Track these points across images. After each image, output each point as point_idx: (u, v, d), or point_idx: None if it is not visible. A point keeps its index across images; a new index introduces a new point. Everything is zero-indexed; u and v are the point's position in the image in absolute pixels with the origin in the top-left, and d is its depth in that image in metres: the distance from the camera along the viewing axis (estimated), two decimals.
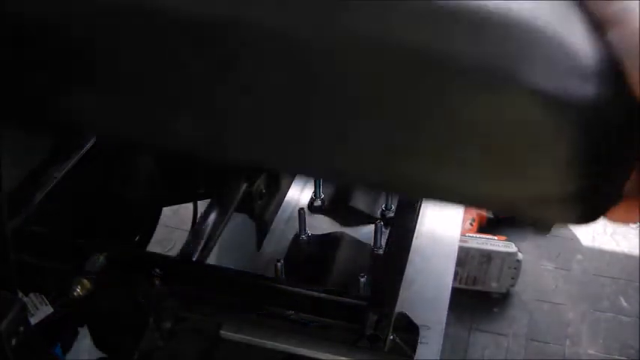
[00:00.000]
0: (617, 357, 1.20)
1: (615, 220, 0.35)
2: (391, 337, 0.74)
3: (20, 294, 0.41)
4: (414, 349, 0.75)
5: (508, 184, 0.31)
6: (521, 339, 1.29)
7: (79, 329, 0.68)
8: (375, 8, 0.30)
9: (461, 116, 0.30)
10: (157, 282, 0.70)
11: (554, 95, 0.29)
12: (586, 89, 0.29)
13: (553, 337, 1.27)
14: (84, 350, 0.69)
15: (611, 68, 0.30)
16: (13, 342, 0.38)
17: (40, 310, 0.60)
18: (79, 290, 0.62)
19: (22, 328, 0.38)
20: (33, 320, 0.60)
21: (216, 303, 0.75)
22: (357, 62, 0.30)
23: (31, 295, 0.60)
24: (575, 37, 0.30)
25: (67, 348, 0.67)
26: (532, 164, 0.31)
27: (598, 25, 0.31)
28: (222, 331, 0.73)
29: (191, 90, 0.33)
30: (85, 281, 0.63)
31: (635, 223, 0.34)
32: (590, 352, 1.20)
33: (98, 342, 0.68)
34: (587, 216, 0.33)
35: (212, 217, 0.85)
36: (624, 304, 1.37)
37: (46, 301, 0.60)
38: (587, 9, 0.32)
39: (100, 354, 0.68)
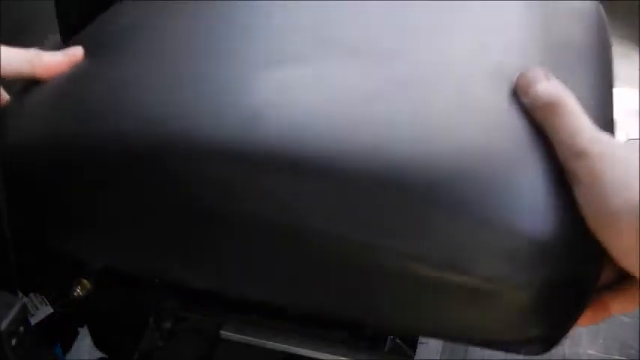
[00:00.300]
0: (617, 357, 1.20)
1: (580, 325, 0.37)
2: (391, 337, 0.74)
3: (20, 294, 0.41)
4: (414, 349, 0.75)
5: (476, 331, 0.35)
6: None
7: (79, 329, 0.68)
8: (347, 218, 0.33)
9: (431, 299, 0.34)
10: (157, 282, 0.70)
11: (504, 279, 0.31)
12: (534, 267, 0.31)
13: None
14: (84, 350, 0.69)
15: (567, 226, 0.32)
16: (13, 342, 0.38)
17: (40, 310, 0.60)
18: (79, 290, 0.62)
19: (22, 329, 0.38)
20: (33, 320, 0.60)
21: (216, 303, 0.75)
22: (349, 256, 0.33)
23: (31, 295, 0.60)
24: (526, 212, 0.32)
25: (67, 348, 0.67)
26: (492, 321, 0.34)
27: (567, 175, 0.32)
28: (222, 331, 0.73)
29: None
30: (85, 281, 0.63)
31: (596, 323, 0.38)
32: (590, 352, 1.20)
33: (98, 342, 0.68)
34: (549, 346, 0.37)
35: None
36: None
37: (46, 301, 0.60)
38: (558, 156, 0.32)
39: (100, 354, 0.68)
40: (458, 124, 0.34)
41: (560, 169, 0.32)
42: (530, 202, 0.31)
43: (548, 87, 0.33)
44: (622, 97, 1.70)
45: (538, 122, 0.33)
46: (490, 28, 0.41)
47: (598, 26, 0.46)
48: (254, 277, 0.37)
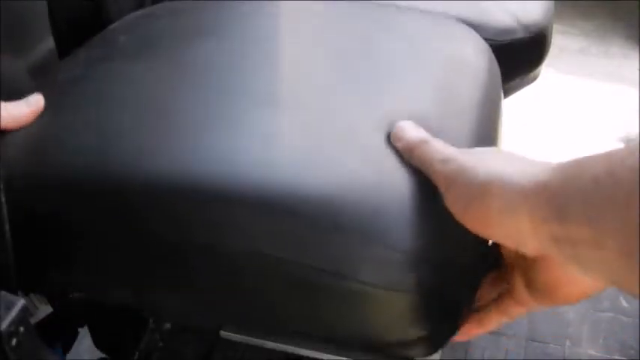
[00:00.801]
0: (617, 357, 1.20)
1: (458, 339, 0.43)
2: None
3: (20, 294, 0.42)
4: None
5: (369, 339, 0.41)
6: (521, 339, 1.29)
7: (79, 329, 0.68)
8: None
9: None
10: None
11: (381, 284, 0.38)
12: (407, 274, 0.37)
13: (553, 337, 1.27)
14: (84, 350, 0.69)
15: (441, 237, 0.39)
16: (14, 342, 0.38)
17: (40, 310, 0.59)
18: None
19: (22, 329, 0.38)
20: (33, 320, 0.60)
21: None
22: (262, 268, 0.40)
23: (31, 295, 0.60)
24: (398, 229, 0.38)
25: (67, 348, 0.67)
26: (377, 321, 0.40)
27: (437, 183, 0.39)
28: (222, 331, 0.73)
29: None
30: None
31: (480, 333, 0.44)
32: (591, 352, 1.20)
33: (98, 342, 0.67)
34: (433, 348, 0.41)
35: None
36: (624, 304, 1.37)
37: (46, 301, 0.60)
38: (428, 174, 0.40)
39: (100, 354, 0.68)
40: (344, 160, 0.41)
41: (425, 195, 0.39)
42: (401, 221, 0.38)
43: (417, 133, 0.42)
44: (622, 96, 1.70)
45: (411, 160, 0.41)
46: (386, 81, 0.50)
47: (487, 83, 0.55)
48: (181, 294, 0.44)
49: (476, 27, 0.73)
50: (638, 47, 1.91)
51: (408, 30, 0.59)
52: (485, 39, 0.66)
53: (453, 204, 0.37)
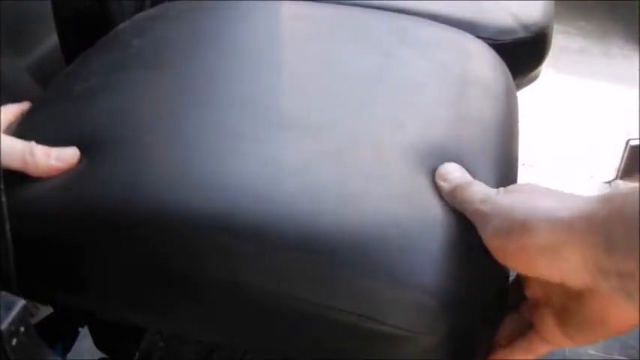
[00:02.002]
0: (617, 357, 1.20)
1: None
2: None
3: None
4: None
5: None
6: None
7: (80, 329, 0.68)
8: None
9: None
10: None
11: (413, 327, 0.37)
12: (439, 317, 0.37)
13: None
14: (84, 351, 0.69)
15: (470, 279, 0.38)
16: (14, 342, 0.38)
17: (40, 310, 0.59)
18: None
19: (22, 329, 0.38)
20: (33, 320, 0.60)
21: None
22: (287, 309, 0.39)
23: None
24: (430, 272, 0.38)
25: (67, 348, 0.67)
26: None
27: (475, 221, 0.39)
28: None
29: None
30: None
31: None
32: (591, 352, 1.20)
33: (99, 342, 0.67)
34: None
35: None
36: None
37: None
38: (467, 213, 0.40)
39: (100, 354, 0.68)
40: (372, 196, 0.41)
41: (459, 237, 0.39)
42: (432, 262, 0.38)
43: (462, 175, 0.43)
44: (622, 97, 1.70)
45: (452, 200, 0.42)
46: (410, 104, 0.50)
47: (507, 105, 0.55)
48: (207, 323, 0.43)
49: (476, 27, 0.73)
50: (638, 48, 1.91)
51: (426, 45, 0.58)
52: (485, 39, 0.66)
53: (491, 241, 0.37)
